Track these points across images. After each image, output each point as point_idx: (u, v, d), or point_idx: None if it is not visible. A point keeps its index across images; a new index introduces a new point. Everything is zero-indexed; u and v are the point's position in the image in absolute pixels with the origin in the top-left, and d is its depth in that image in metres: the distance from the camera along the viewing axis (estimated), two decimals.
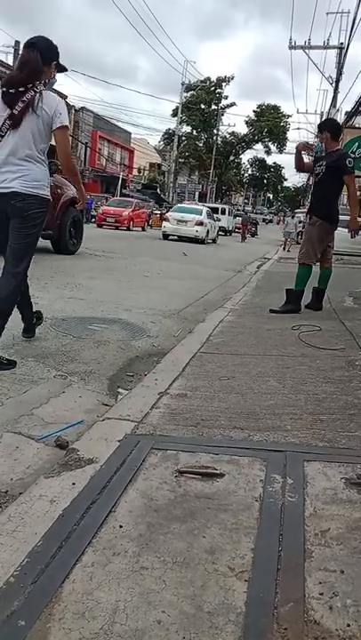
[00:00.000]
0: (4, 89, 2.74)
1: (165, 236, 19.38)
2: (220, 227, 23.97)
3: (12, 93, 2.71)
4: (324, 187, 4.88)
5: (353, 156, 13.65)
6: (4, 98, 2.74)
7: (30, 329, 3.42)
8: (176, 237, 19.01)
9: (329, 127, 4.98)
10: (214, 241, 21.44)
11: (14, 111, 2.71)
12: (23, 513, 1.44)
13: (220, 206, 29.78)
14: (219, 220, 24.61)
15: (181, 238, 18.71)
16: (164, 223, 20.16)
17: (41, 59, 2.77)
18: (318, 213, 4.94)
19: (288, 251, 18.40)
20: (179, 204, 24.69)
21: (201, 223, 19.35)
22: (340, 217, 5.13)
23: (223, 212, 27.52)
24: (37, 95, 2.72)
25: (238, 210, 46.19)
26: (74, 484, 1.60)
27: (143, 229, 25.19)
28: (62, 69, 2.96)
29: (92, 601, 1.12)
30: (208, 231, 19.93)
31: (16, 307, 3.05)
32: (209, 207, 23.67)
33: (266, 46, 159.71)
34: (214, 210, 25.17)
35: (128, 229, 22.82)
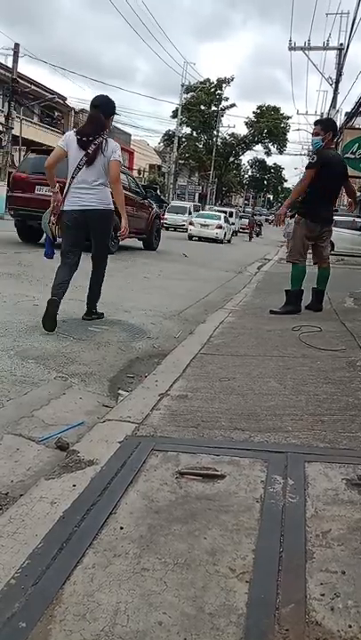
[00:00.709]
0: (79, 137, 3.87)
1: (190, 237, 22.48)
2: None
3: (85, 140, 3.84)
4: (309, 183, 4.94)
5: (353, 156, 13.67)
6: (79, 143, 3.84)
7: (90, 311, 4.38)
8: (198, 238, 22.36)
9: (333, 128, 5.04)
10: (229, 241, 24.55)
11: (88, 151, 3.82)
12: (24, 515, 1.44)
13: (227, 209, 32.83)
14: (233, 223, 28.79)
15: (200, 239, 22.23)
16: (190, 227, 23.30)
17: (103, 116, 3.96)
18: (301, 212, 4.98)
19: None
20: (201, 211, 28.76)
21: (220, 227, 22.81)
22: (341, 218, 5.16)
23: (230, 215, 30.00)
24: (104, 141, 3.87)
25: (244, 212, 48.60)
26: (74, 485, 1.60)
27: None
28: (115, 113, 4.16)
29: (92, 602, 1.12)
30: (225, 233, 23.49)
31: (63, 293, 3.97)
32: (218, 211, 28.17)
33: (265, 47, 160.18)
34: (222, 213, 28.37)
35: None
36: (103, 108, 3.97)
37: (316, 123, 5.16)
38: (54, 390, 2.64)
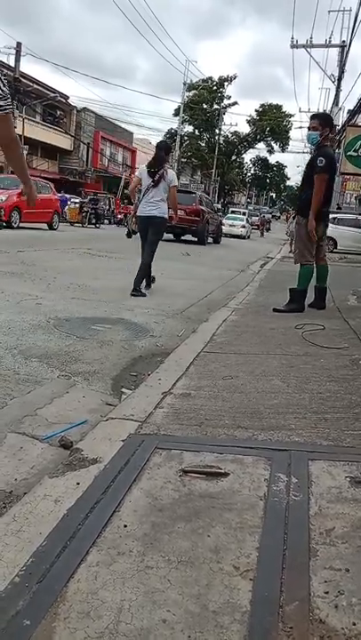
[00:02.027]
0: (148, 169, 5.80)
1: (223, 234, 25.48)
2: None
3: (152, 172, 5.78)
4: (307, 185, 4.87)
5: (356, 153, 13.63)
6: (149, 173, 5.78)
7: (139, 287, 5.68)
8: (229, 235, 26.24)
9: (331, 123, 5.00)
10: (249, 237, 30.23)
11: (155, 179, 5.74)
12: (28, 513, 1.44)
13: (241, 210, 39.22)
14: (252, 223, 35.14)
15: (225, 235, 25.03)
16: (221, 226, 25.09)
17: (165, 154, 5.97)
18: (303, 213, 4.93)
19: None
20: (228, 214, 33.64)
21: (244, 226, 29.44)
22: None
23: (244, 215, 34.48)
24: (164, 172, 5.78)
25: (253, 211, 52.63)
26: (78, 483, 1.60)
27: (50, 226, 17.02)
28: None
29: (97, 600, 1.12)
30: (247, 230, 30.05)
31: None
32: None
33: (264, 45, 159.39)
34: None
35: (7, 224, 14.30)
36: (164, 149, 6.06)
37: (313, 117, 5.06)
38: (57, 389, 2.64)
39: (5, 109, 2.34)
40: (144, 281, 5.88)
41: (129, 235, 6.53)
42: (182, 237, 16.59)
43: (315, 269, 5.10)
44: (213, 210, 20.13)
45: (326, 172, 4.69)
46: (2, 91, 2.24)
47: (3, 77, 2.27)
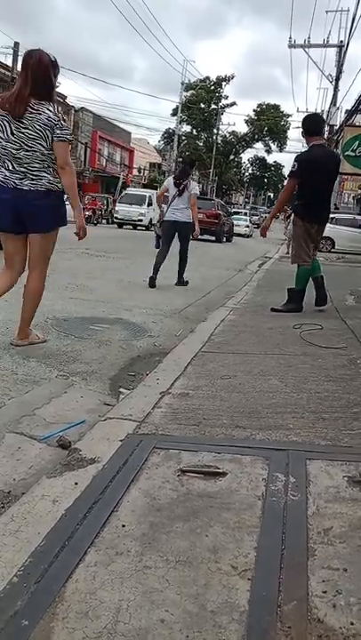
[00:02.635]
0: (174, 180, 6.77)
1: None
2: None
3: (177, 182, 6.71)
4: (301, 187, 4.88)
5: (354, 153, 13.64)
6: (175, 184, 6.71)
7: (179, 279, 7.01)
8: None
9: (303, 125, 4.98)
10: (251, 235, 31.87)
11: (180, 188, 6.65)
12: (26, 513, 1.44)
13: (242, 210, 42.73)
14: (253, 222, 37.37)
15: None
16: None
17: (189, 167, 7.43)
18: (298, 214, 4.98)
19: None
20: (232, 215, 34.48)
21: (247, 226, 32.26)
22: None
23: (245, 215, 38.00)
24: (188, 182, 6.75)
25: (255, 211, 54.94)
26: (76, 483, 1.60)
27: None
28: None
29: (95, 600, 1.12)
30: (250, 229, 32.63)
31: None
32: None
33: (261, 45, 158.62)
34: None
35: None
36: (189, 163, 8.32)
37: None
38: (55, 389, 2.64)
39: (62, 138, 3.04)
40: (151, 276, 6.55)
41: (158, 244, 6.88)
42: (200, 237, 18.23)
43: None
44: (227, 213, 24.17)
45: (294, 177, 4.79)
46: (61, 123, 3.02)
47: (61, 112, 3.26)
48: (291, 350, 3.40)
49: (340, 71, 22.59)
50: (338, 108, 23.15)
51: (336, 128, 21.43)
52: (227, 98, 52.62)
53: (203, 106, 50.94)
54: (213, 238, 19.53)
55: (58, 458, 1.89)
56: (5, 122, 2.96)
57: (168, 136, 51.54)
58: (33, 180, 3.02)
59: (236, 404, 2.36)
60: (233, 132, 55.45)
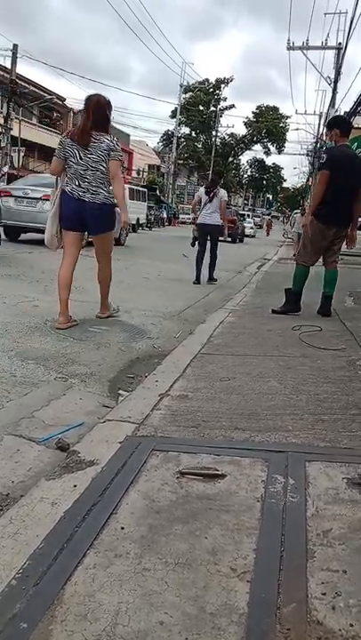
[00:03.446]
0: (205, 189, 7.86)
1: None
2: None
3: (208, 190, 7.75)
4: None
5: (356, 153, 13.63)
6: (205, 192, 7.75)
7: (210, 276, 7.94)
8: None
9: (339, 123, 4.96)
10: (254, 236, 35.12)
11: (210, 196, 7.63)
12: (24, 515, 1.44)
13: (245, 213, 44.27)
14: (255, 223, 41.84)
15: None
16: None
17: (218, 178, 9.28)
18: (313, 212, 4.81)
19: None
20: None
21: (252, 227, 36.02)
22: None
23: (249, 217, 41.61)
24: (217, 190, 7.74)
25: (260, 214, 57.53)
26: (75, 485, 1.60)
27: None
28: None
29: (94, 603, 1.12)
30: (254, 230, 36.63)
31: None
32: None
33: (257, 47, 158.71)
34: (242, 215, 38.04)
35: None
36: (218, 174, 11.32)
37: (326, 127, 5.24)
38: (54, 391, 2.64)
39: (115, 158, 3.98)
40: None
41: (193, 243, 8.21)
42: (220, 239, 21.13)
43: (324, 274, 5.02)
44: (240, 218, 27.79)
45: (325, 168, 4.59)
46: (116, 147, 3.97)
47: (116, 140, 4.05)
48: (290, 352, 3.41)
49: (338, 73, 22.65)
50: (336, 111, 23.18)
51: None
52: (225, 100, 52.78)
53: (201, 108, 51.03)
54: (230, 239, 21.65)
55: (57, 460, 1.89)
56: (75, 149, 3.90)
57: (167, 138, 51.62)
58: (92, 194, 3.94)
59: (236, 406, 2.36)
60: (232, 133, 55.60)
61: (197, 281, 7.55)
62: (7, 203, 10.64)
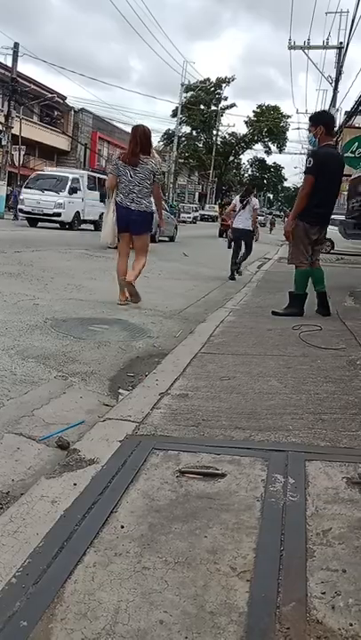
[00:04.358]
0: (239, 198, 9.00)
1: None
2: None
3: (242, 199, 8.81)
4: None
5: (353, 155, 13.67)
6: (240, 200, 8.83)
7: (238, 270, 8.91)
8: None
9: (323, 121, 4.78)
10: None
11: (243, 204, 8.71)
12: (25, 514, 1.44)
13: None
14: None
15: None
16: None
17: (251, 188, 9.67)
18: (300, 214, 4.76)
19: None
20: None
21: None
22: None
23: None
24: (250, 199, 8.75)
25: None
26: (75, 484, 1.60)
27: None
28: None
29: (94, 601, 1.12)
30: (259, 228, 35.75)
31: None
32: None
33: (262, 46, 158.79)
34: None
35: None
36: (251, 185, 13.07)
37: (309, 120, 5.04)
38: (55, 389, 2.64)
39: (158, 181, 5.20)
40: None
41: (229, 245, 9.48)
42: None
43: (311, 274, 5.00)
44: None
45: (312, 173, 4.56)
46: (159, 171, 5.17)
47: (159, 161, 5.23)
48: (290, 351, 3.41)
49: (339, 73, 22.63)
50: (337, 110, 23.17)
51: (336, 129, 21.44)
52: (226, 99, 52.77)
53: (202, 107, 51.01)
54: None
55: (57, 458, 1.89)
56: (127, 169, 4.99)
57: (168, 137, 51.57)
58: (137, 204, 5.04)
59: (236, 405, 2.36)
60: (233, 133, 55.59)
61: (233, 277, 8.60)
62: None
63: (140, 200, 5.03)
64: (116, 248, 5.48)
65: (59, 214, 17.45)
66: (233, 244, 9.03)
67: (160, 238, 15.64)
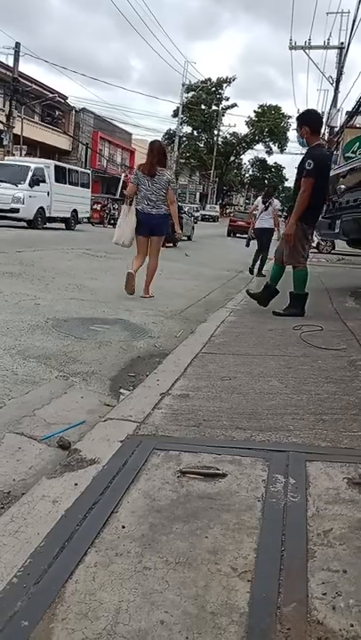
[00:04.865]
0: (262, 200, 9.62)
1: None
2: None
3: (264, 201, 9.48)
4: (297, 187, 4.74)
5: (355, 155, 13.65)
6: (263, 202, 9.52)
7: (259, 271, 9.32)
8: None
9: (306, 121, 4.71)
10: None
11: (265, 205, 9.39)
12: (26, 513, 1.44)
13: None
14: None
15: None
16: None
17: (272, 191, 10.60)
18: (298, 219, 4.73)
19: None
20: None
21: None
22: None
23: None
24: (271, 201, 9.47)
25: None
26: (76, 484, 1.60)
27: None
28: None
29: (94, 601, 1.12)
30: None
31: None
32: None
33: (263, 46, 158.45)
34: None
35: None
36: (273, 187, 11.91)
37: (295, 120, 4.98)
38: (56, 389, 2.64)
39: (173, 188, 5.92)
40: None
41: (248, 244, 10.43)
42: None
43: (279, 270, 4.99)
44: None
45: (313, 175, 4.52)
46: (172, 179, 5.96)
47: (173, 174, 5.93)
48: (291, 352, 3.40)
49: (340, 73, 22.62)
50: (338, 110, 23.17)
51: (337, 130, 21.45)
52: (227, 99, 52.76)
53: (203, 107, 51.01)
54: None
55: (58, 458, 1.89)
56: (145, 180, 5.66)
57: (169, 137, 51.57)
58: (156, 209, 5.70)
59: (237, 406, 2.36)
60: (234, 133, 55.60)
61: (252, 273, 9.33)
62: None
63: (160, 205, 5.72)
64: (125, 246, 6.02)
65: (16, 210, 14.66)
66: (257, 242, 9.63)
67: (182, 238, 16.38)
